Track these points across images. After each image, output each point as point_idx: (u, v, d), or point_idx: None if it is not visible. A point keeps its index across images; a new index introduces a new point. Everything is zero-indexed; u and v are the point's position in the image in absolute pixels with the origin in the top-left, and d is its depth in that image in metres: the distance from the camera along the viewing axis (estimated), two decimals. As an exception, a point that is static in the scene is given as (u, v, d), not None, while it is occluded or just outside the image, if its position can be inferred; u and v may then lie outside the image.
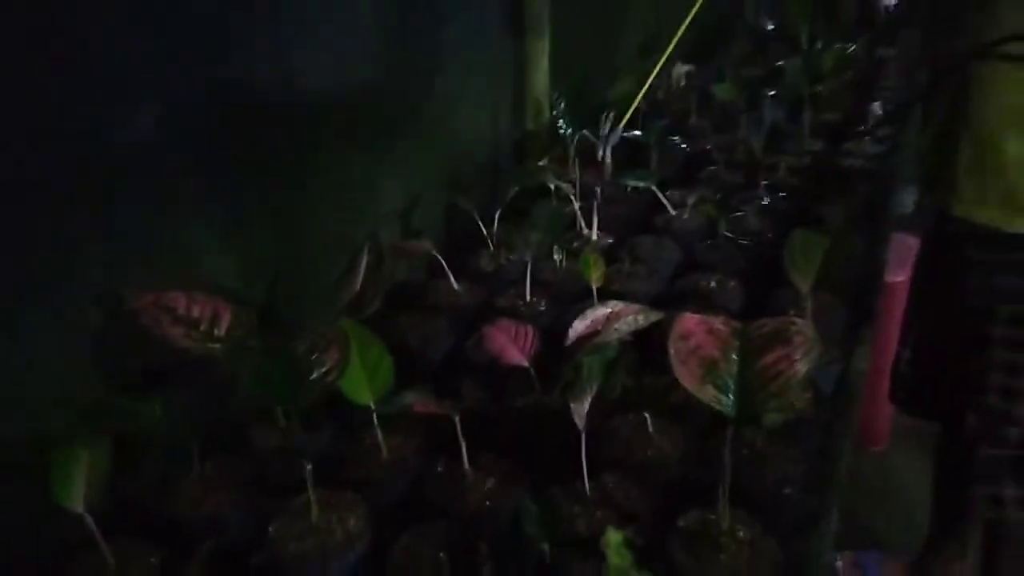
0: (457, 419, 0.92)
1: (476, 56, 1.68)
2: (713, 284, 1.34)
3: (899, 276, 1.86)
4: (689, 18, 2.40)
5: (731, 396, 0.83)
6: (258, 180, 1.15)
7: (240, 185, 1.13)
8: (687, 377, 0.83)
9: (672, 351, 0.85)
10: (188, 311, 1.00)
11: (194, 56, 1.01)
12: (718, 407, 0.82)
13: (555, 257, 1.43)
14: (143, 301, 0.98)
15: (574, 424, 0.89)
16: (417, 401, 0.93)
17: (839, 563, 1.90)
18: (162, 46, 0.97)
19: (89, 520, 0.84)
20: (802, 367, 0.84)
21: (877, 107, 2.05)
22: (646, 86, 2.19)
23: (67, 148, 0.88)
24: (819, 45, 2.33)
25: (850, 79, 2.32)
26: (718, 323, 0.89)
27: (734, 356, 0.85)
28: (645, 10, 2.47)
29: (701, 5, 2.34)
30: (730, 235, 1.48)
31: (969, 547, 1.58)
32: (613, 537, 0.78)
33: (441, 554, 0.86)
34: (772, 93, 2.05)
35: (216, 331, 0.99)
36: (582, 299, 1.24)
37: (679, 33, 2.48)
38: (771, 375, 0.83)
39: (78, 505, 0.83)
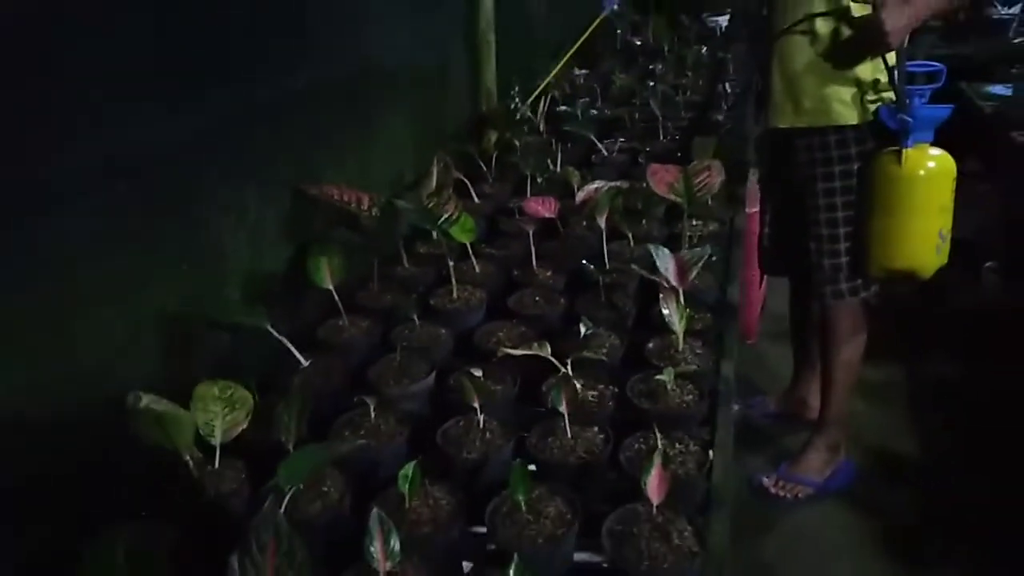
0: (531, 233, 1.58)
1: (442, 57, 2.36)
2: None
3: (753, 209, 2.66)
4: (585, 35, 3.20)
5: (682, 196, 1.55)
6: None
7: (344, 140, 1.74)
8: (660, 188, 1.55)
9: (649, 178, 1.57)
10: (341, 196, 1.61)
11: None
12: (677, 200, 1.53)
13: (539, 180, 2.11)
14: (316, 190, 1.58)
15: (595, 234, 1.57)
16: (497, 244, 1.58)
17: (733, 406, 2.65)
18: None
19: (334, 293, 1.43)
20: (716, 183, 1.57)
21: (727, 86, 2.89)
22: (555, 75, 2.96)
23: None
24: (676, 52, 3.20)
25: (705, 73, 3.19)
26: (671, 167, 1.62)
27: (681, 179, 1.57)
28: (553, 29, 3.25)
29: (596, 25, 3.14)
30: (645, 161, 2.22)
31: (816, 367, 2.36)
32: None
33: (537, 298, 1.52)
34: (653, 84, 2.85)
35: (360, 207, 1.60)
36: (569, 194, 1.92)
37: (576, 45, 3.29)
38: (701, 185, 1.56)
39: (327, 284, 1.42)
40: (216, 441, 1.09)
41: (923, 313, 3.14)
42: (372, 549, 0.88)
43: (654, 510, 0.94)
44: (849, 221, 2.02)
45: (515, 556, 0.85)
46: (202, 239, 1.29)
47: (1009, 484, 2.22)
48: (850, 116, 1.97)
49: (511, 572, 0.84)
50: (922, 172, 1.85)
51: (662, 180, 1.55)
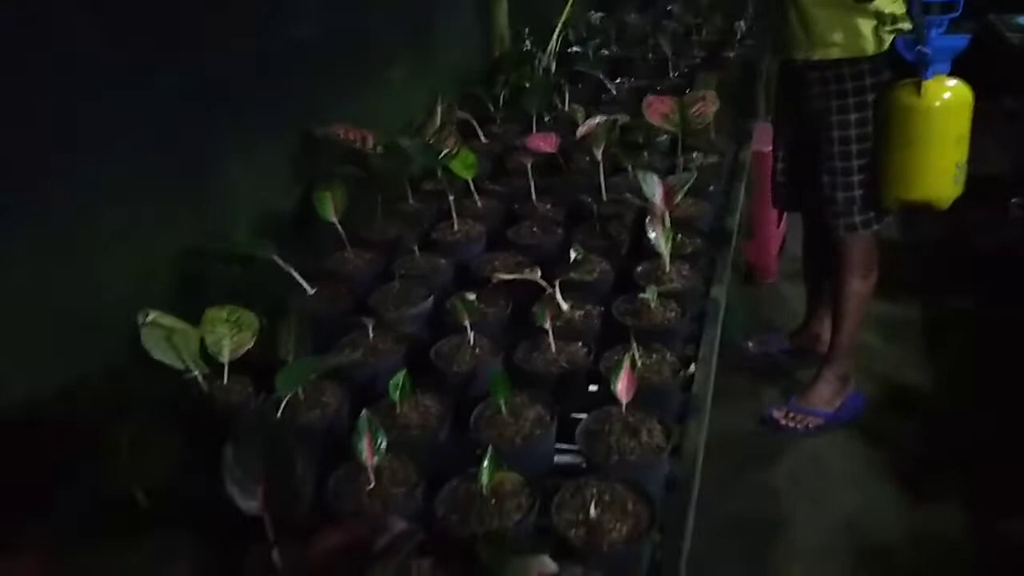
0: (530, 166, 1.63)
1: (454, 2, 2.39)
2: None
3: (765, 148, 2.65)
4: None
5: (676, 126, 1.57)
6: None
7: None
8: (655, 119, 1.58)
9: (645, 110, 1.59)
10: (347, 135, 1.66)
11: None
12: (672, 131, 1.56)
13: (545, 119, 2.15)
14: (323, 131, 1.64)
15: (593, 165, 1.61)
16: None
17: (749, 344, 2.69)
18: None
19: (339, 227, 1.50)
20: (711, 112, 1.59)
21: (743, 23, 2.87)
22: (570, 18, 2.97)
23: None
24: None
25: (720, 12, 3.16)
26: (666, 98, 1.64)
27: (676, 109, 1.60)
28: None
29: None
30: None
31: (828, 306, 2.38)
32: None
33: (535, 229, 1.57)
34: (665, 23, 2.84)
35: (365, 145, 1.66)
36: (573, 129, 1.95)
37: (591, -12, 3.28)
38: (696, 115, 1.59)
39: (331, 217, 1.49)
40: (224, 359, 1.17)
41: (946, 251, 3.13)
42: (360, 447, 0.96)
43: (624, 410, 1.00)
44: (863, 154, 2.03)
45: (489, 448, 0.92)
46: (214, 180, 1.37)
47: (1018, 420, 2.23)
48: (866, 48, 1.97)
49: (485, 463, 0.91)
50: (940, 103, 1.87)
51: (657, 111, 1.58)
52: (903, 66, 1.91)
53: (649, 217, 1.32)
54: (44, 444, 1.01)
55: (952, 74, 1.87)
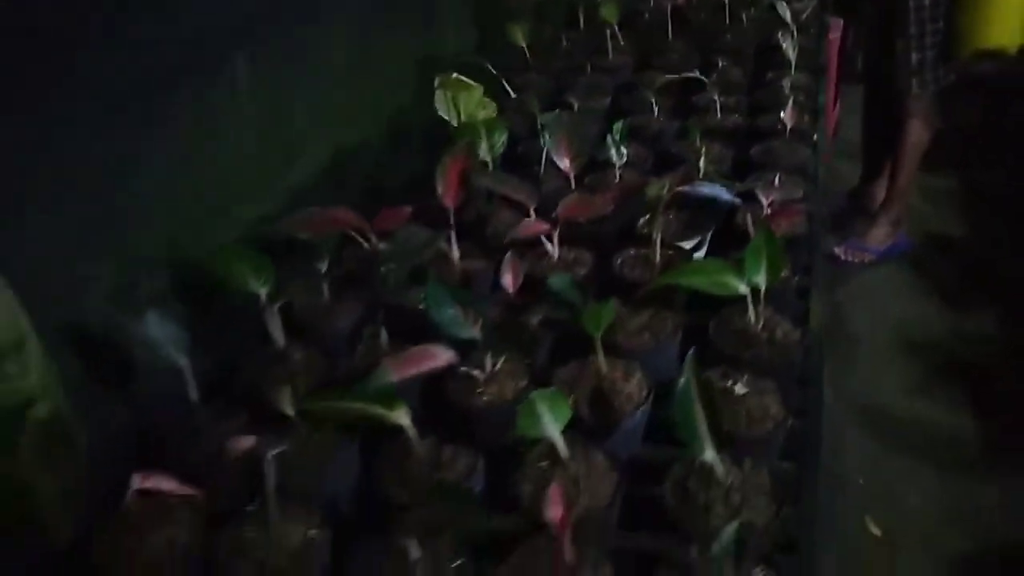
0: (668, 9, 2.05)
1: None
2: None
3: (834, 35, 3.03)
4: None
5: None
6: None
7: None
8: None
9: None
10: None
11: None
12: None
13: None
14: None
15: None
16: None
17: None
18: None
19: (526, 50, 1.93)
20: None
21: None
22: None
23: None
24: None
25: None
26: None
27: None
28: None
29: None
30: None
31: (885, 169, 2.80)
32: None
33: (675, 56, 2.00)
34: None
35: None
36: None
37: None
38: None
39: (520, 42, 1.92)
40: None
41: (980, 131, 3.52)
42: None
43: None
44: (935, 19, 2.42)
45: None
46: None
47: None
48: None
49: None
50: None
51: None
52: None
53: (780, 31, 1.74)
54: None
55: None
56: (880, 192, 2.87)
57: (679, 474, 0.85)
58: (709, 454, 0.79)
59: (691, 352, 0.83)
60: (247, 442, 0.83)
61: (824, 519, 0.88)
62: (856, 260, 2.79)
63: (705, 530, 0.77)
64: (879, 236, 2.79)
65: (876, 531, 1.84)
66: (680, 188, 1.18)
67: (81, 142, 0.92)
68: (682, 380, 0.81)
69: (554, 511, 0.71)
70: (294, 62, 1.33)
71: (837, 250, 2.81)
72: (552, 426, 0.83)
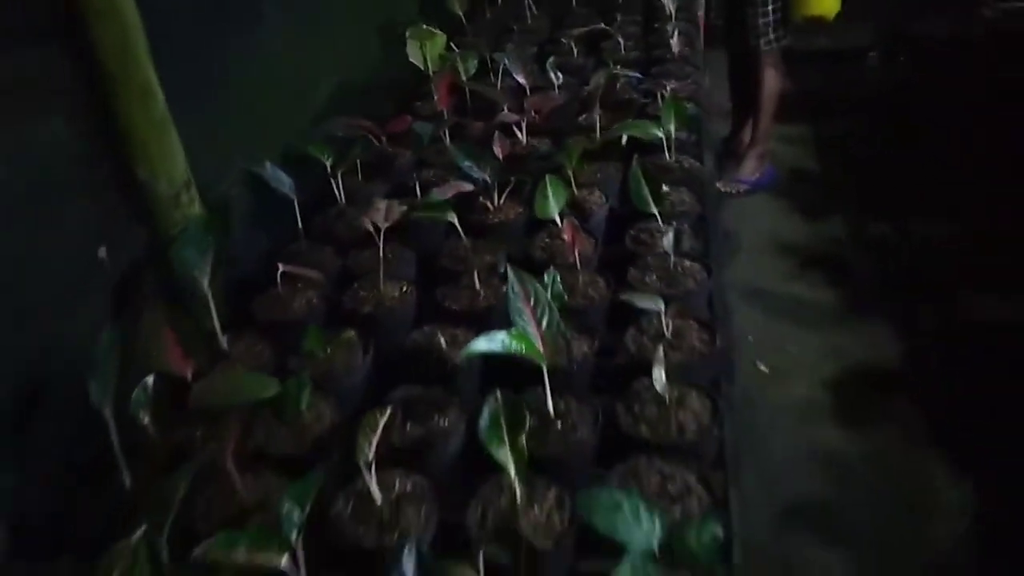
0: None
1: None
2: None
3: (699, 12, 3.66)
4: None
5: None
6: None
7: None
8: None
9: None
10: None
11: None
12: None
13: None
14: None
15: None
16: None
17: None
18: None
19: (462, 18, 2.40)
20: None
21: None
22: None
23: None
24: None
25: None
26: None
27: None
28: None
29: None
30: None
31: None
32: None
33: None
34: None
35: None
36: None
37: None
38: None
39: (457, 10, 2.40)
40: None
41: (824, 94, 4.23)
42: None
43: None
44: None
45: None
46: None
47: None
48: None
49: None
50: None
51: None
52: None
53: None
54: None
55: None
56: (747, 137, 3.50)
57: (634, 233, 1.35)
58: (653, 209, 1.29)
59: (635, 156, 1.33)
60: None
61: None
62: (734, 191, 3.39)
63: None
64: (749, 168, 3.40)
65: (765, 369, 2.40)
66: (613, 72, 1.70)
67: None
68: (632, 168, 1.30)
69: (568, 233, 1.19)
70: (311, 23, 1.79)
71: (718, 184, 3.41)
72: (554, 209, 1.30)
